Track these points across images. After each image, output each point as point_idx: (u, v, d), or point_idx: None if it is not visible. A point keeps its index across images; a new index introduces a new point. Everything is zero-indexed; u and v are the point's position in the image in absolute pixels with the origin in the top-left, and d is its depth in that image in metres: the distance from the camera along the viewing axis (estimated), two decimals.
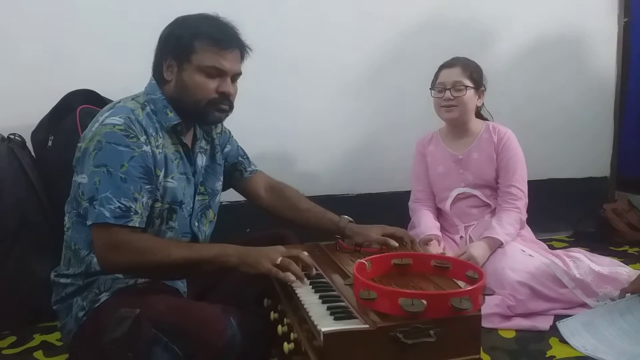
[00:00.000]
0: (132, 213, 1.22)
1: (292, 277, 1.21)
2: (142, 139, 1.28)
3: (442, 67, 2.04)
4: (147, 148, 1.28)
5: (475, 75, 2.00)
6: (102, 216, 1.19)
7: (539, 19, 2.66)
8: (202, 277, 1.48)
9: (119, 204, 1.21)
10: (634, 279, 1.83)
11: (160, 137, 1.34)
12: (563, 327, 1.66)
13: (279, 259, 1.24)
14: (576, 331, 1.62)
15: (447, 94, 1.97)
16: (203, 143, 1.50)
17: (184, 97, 1.35)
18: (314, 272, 1.28)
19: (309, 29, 2.38)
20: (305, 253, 1.32)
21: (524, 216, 2.01)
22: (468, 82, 1.97)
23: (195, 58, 1.32)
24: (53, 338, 1.76)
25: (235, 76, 1.39)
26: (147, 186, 1.27)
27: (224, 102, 1.37)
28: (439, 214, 2.16)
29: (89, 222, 1.22)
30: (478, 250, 1.86)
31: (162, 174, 1.33)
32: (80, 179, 1.27)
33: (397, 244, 1.51)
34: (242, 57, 1.40)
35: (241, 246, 1.29)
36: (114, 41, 2.13)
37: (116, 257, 1.20)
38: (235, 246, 1.28)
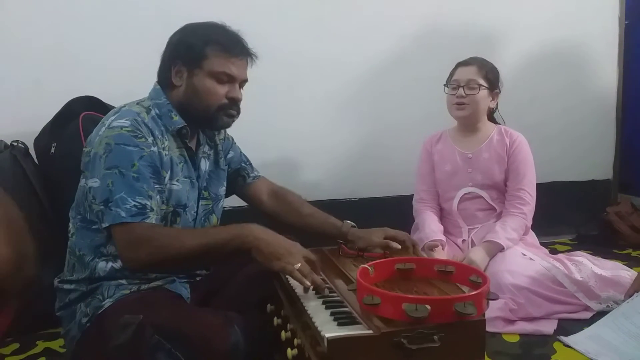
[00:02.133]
0: (147, 210, 1.23)
1: (308, 283, 1.17)
2: (150, 139, 1.30)
3: (459, 65, 2.04)
4: (154, 148, 1.30)
5: (491, 76, 2.00)
6: (119, 216, 1.20)
7: (541, 22, 2.67)
8: (224, 264, 1.47)
9: (134, 203, 1.22)
10: (635, 279, 1.82)
11: (166, 140, 1.35)
12: (566, 341, 1.62)
13: (299, 265, 1.20)
14: (580, 342, 1.60)
15: (460, 91, 1.97)
16: (206, 148, 1.51)
17: (193, 101, 1.37)
18: (326, 292, 1.22)
19: (310, 33, 2.39)
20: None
21: (529, 222, 2.01)
22: (482, 82, 1.98)
23: (207, 64, 1.35)
24: (56, 345, 1.76)
25: (242, 83, 1.42)
26: (157, 185, 1.29)
27: (233, 108, 1.40)
28: (443, 214, 2.15)
29: (105, 224, 1.22)
30: (477, 255, 1.86)
31: (167, 176, 1.34)
32: (92, 182, 1.27)
33: (399, 247, 1.51)
34: (248, 65, 1.43)
35: (263, 230, 1.25)
36: (117, 47, 2.14)
37: (136, 254, 1.20)
38: (255, 227, 1.25)
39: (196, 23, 1.40)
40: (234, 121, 1.43)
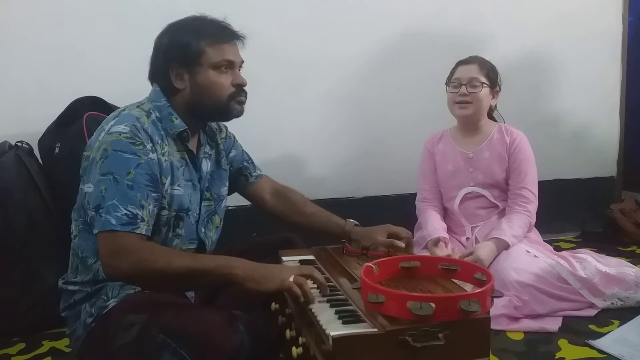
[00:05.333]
0: (138, 220, 1.21)
1: (303, 298, 1.15)
2: (149, 146, 1.28)
3: (459, 63, 2.04)
4: (153, 155, 1.28)
5: (492, 74, 2.01)
6: (108, 224, 1.18)
7: (544, 19, 2.66)
8: (205, 289, 1.46)
9: (125, 211, 1.20)
10: None
11: (166, 145, 1.34)
12: (595, 344, 1.60)
13: (291, 277, 1.19)
14: (611, 346, 1.58)
15: (463, 89, 1.97)
16: (207, 148, 1.51)
17: (203, 99, 1.36)
18: (327, 291, 1.22)
19: (312, 32, 2.39)
20: (318, 267, 1.30)
21: (534, 220, 2.00)
22: (484, 79, 1.98)
23: (205, 58, 1.34)
24: (62, 344, 1.76)
25: (240, 66, 1.42)
26: (154, 194, 1.27)
27: (242, 94, 1.40)
28: (446, 214, 2.16)
29: (95, 231, 1.21)
30: (485, 251, 1.85)
31: (168, 182, 1.32)
32: (87, 188, 1.26)
33: (403, 245, 1.51)
34: (239, 47, 1.43)
35: (249, 261, 1.23)
36: (120, 47, 2.14)
37: (119, 263, 1.17)
38: (242, 260, 1.23)
39: (178, 21, 1.39)
40: (244, 107, 1.43)
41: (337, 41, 2.42)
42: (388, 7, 2.48)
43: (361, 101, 2.51)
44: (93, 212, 1.22)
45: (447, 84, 2.05)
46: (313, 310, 1.11)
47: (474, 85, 1.97)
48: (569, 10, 2.69)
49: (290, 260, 1.46)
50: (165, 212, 1.33)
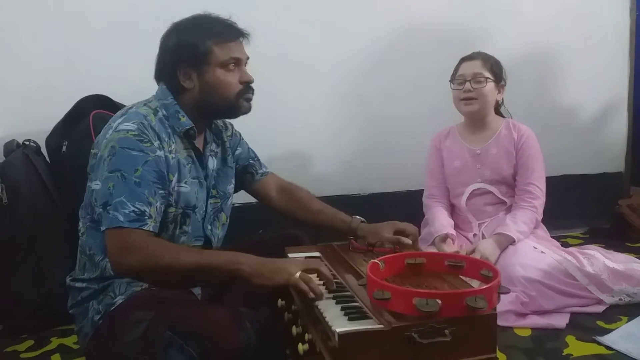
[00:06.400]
0: (146, 217, 1.22)
1: (311, 294, 1.15)
2: (156, 144, 1.29)
3: (463, 60, 2.03)
4: (160, 153, 1.29)
5: (496, 68, 1.99)
6: (116, 220, 1.19)
7: (550, 14, 2.65)
8: (212, 285, 1.47)
9: (133, 208, 1.21)
10: None
11: (173, 142, 1.35)
12: (603, 341, 1.60)
13: (298, 273, 1.19)
14: (618, 342, 1.58)
15: (467, 85, 1.96)
16: (213, 146, 1.51)
17: (212, 97, 1.37)
18: (334, 286, 1.22)
19: (316, 28, 2.39)
20: (324, 263, 1.30)
21: (540, 216, 2.00)
22: (488, 74, 1.97)
23: (212, 57, 1.35)
24: (70, 341, 1.77)
25: (246, 63, 1.43)
26: (161, 191, 1.28)
27: (249, 91, 1.41)
28: (453, 210, 2.15)
29: (103, 228, 1.22)
30: (488, 248, 1.85)
31: (175, 179, 1.33)
32: (95, 185, 1.27)
33: (410, 242, 1.51)
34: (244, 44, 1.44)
35: (255, 256, 1.24)
36: (125, 45, 2.14)
37: (127, 259, 1.18)
38: (249, 255, 1.23)
39: (184, 20, 1.40)
40: (251, 103, 1.44)
41: (341, 37, 2.42)
42: (391, 2, 2.47)
43: (365, 97, 2.51)
44: (101, 209, 1.23)
45: (451, 81, 2.04)
46: (319, 307, 1.11)
47: (479, 80, 1.96)
48: (574, 4, 2.68)
49: (296, 257, 1.46)
50: (172, 210, 1.34)
